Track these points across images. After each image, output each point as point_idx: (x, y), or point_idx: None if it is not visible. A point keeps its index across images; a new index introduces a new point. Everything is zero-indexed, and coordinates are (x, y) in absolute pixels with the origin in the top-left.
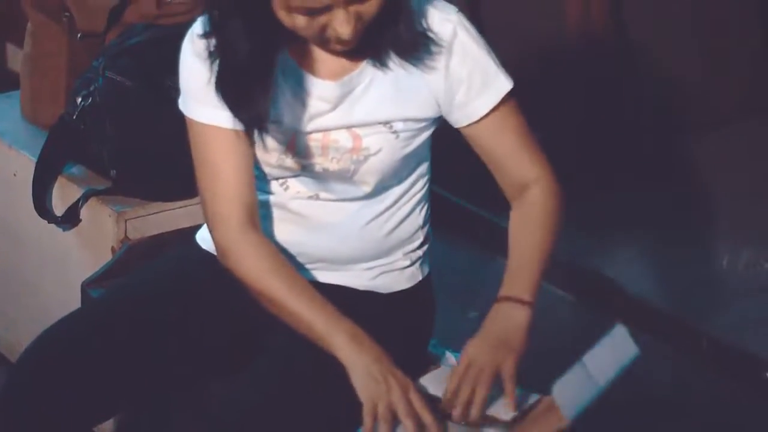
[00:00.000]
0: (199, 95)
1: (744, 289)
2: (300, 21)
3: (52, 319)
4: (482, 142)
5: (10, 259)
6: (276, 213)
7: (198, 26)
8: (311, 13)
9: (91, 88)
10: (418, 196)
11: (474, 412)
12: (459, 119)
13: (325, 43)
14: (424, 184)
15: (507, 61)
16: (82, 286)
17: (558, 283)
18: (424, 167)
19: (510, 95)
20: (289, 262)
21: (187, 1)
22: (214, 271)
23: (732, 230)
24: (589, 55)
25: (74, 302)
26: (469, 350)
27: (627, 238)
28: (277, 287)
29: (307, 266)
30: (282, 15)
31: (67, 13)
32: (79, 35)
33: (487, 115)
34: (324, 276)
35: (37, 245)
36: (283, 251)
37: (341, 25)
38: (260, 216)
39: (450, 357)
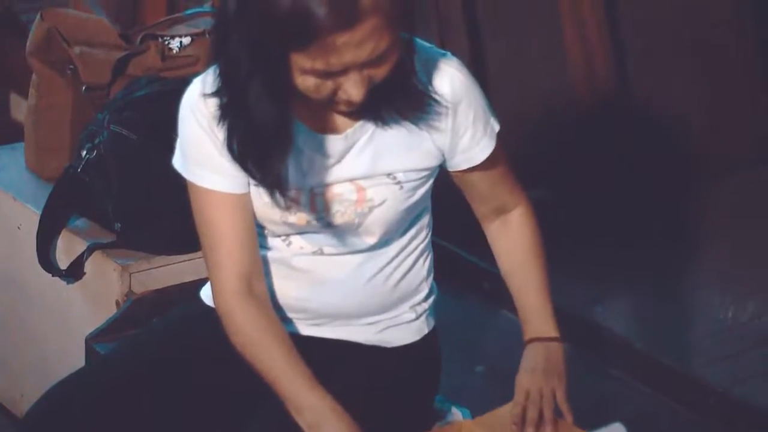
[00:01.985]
0: (201, 160)
1: (750, 341)
2: (313, 83)
3: (55, 372)
4: (473, 180)
5: (13, 311)
6: (279, 270)
7: (202, 85)
8: (326, 76)
9: (96, 141)
10: (421, 247)
11: (549, 429)
12: (459, 163)
13: (332, 104)
14: (426, 235)
15: (512, 117)
16: (86, 340)
17: (565, 336)
18: (425, 218)
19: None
20: (286, 329)
21: (191, 54)
22: (218, 328)
23: (737, 281)
24: (594, 109)
25: (78, 356)
26: (523, 381)
27: (630, 289)
28: (269, 365)
29: (312, 322)
30: (296, 76)
31: (71, 66)
32: (83, 88)
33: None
34: (329, 331)
35: (40, 298)
36: (287, 308)
37: (354, 87)
38: (263, 273)
39: (456, 413)
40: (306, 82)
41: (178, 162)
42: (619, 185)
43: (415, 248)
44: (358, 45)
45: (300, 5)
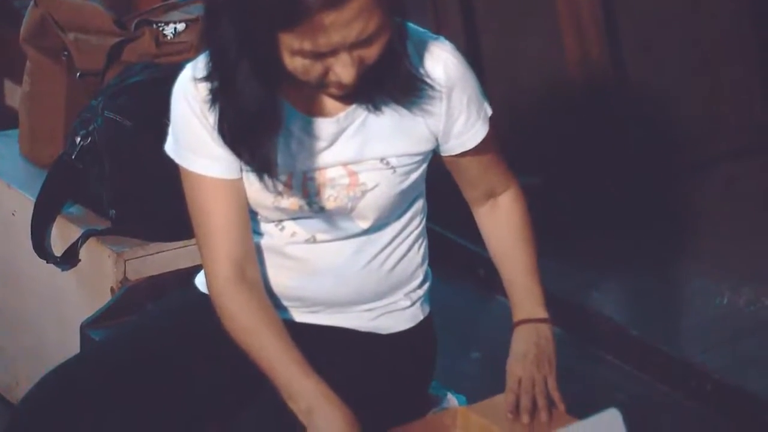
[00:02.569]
0: (193, 145)
1: (746, 327)
2: (302, 64)
3: (50, 358)
4: (464, 164)
5: (8, 298)
6: (273, 259)
7: (193, 70)
8: (315, 56)
9: (90, 128)
10: (415, 233)
11: (544, 416)
12: (452, 148)
13: (323, 87)
14: (421, 221)
15: (505, 102)
16: (81, 326)
17: (556, 322)
18: (419, 204)
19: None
20: (281, 316)
21: (185, 40)
22: (213, 315)
23: (732, 268)
24: (588, 94)
25: (73, 342)
26: (514, 368)
27: (625, 276)
28: (262, 352)
29: (307, 310)
30: (285, 57)
31: (65, 52)
32: (78, 74)
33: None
34: (324, 318)
35: (35, 285)
36: (282, 296)
37: (344, 68)
38: (258, 262)
39: (452, 398)
40: (295, 64)
41: (170, 147)
42: (614, 172)
43: (410, 234)
44: (347, 25)
45: None
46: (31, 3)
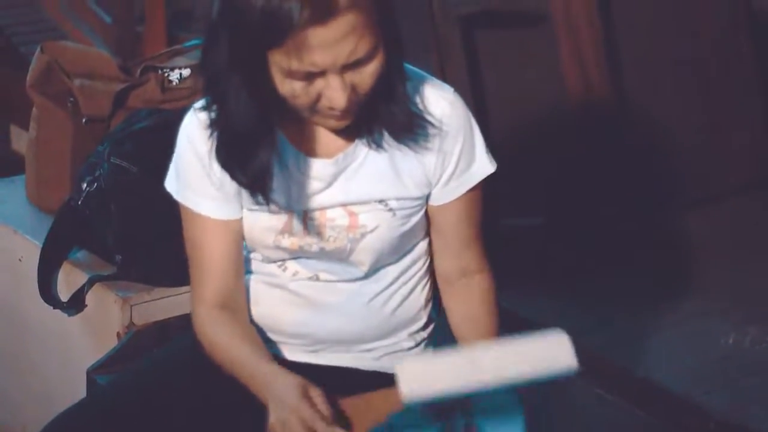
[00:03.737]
0: (192, 183)
1: (751, 367)
2: (294, 88)
3: (56, 404)
4: (444, 222)
5: (14, 343)
6: (278, 295)
7: (199, 102)
8: (305, 78)
9: (96, 174)
10: (419, 275)
11: None
12: (437, 197)
13: (318, 115)
14: (424, 263)
15: (508, 142)
16: (87, 372)
17: None
18: (422, 246)
19: (481, 181)
20: (283, 355)
21: (190, 86)
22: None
23: (736, 307)
24: (591, 135)
25: (79, 388)
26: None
27: (628, 316)
28: (233, 359)
29: (310, 348)
30: (277, 80)
31: (72, 98)
32: (84, 120)
33: (461, 196)
34: (327, 358)
35: (42, 330)
36: (285, 334)
37: (335, 92)
38: (263, 299)
39: None
40: (287, 87)
41: (170, 182)
42: (616, 211)
43: (412, 276)
44: (335, 44)
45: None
46: (38, 49)
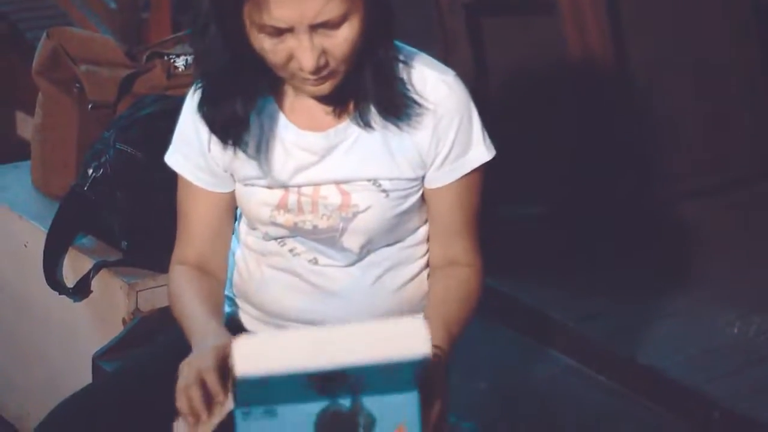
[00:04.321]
0: (185, 151)
1: (756, 357)
2: (266, 44)
3: (61, 390)
4: (436, 207)
5: (20, 329)
6: (286, 279)
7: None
8: (275, 34)
9: (102, 160)
10: (424, 259)
11: None
12: (431, 179)
13: (294, 79)
14: (428, 249)
15: (512, 130)
16: (93, 358)
17: (564, 350)
18: (424, 230)
19: (481, 167)
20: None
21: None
22: None
23: (740, 297)
24: (594, 119)
25: (84, 374)
26: None
27: (631, 305)
28: (184, 311)
29: None
30: (252, 35)
31: (77, 84)
32: (89, 106)
33: (455, 181)
34: None
35: (47, 316)
36: (295, 321)
37: (303, 52)
38: (270, 285)
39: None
40: (259, 43)
41: (169, 153)
42: (619, 201)
43: (418, 258)
44: (301, 0)
45: None
46: (44, 35)
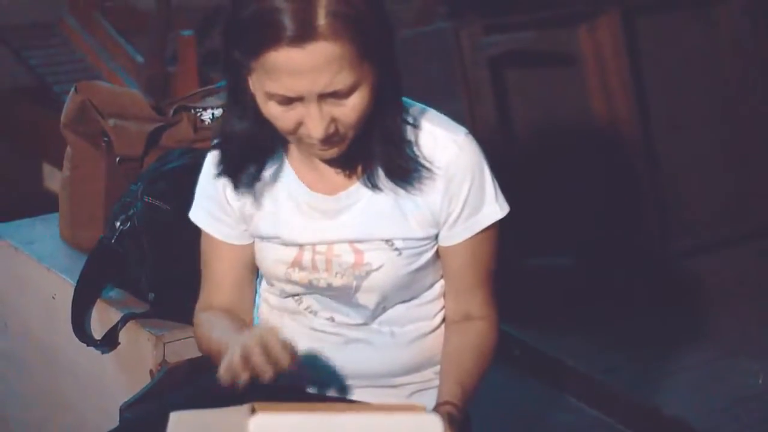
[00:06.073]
0: (206, 205)
1: None
2: (275, 111)
3: None
4: (449, 264)
5: (48, 380)
6: (306, 337)
7: None
8: (285, 102)
9: (130, 212)
10: (440, 315)
11: None
12: (444, 238)
13: (302, 144)
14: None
15: (536, 182)
16: (120, 409)
17: (592, 403)
18: (441, 286)
19: (495, 223)
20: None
21: None
22: (247, 396)
23: (764, 348)
24: (618, 171)
25: (112, 425)
26: None
27: (656, 355)
28: (211, 335)
29: (346, 383)
30: (260, 100)
31: (105, 138)
32: (117, 159)
33: (468, 238)
34: (363, 394)
35: (75, 368)
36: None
37: (312, 120)
38: (296, 337)
39: None
40: (268, 109)
41: (193, 209)
42: (641, 252)
43: (436, 313)
44: (311, 71)
45: (265, 9)
46: (72, 89)
